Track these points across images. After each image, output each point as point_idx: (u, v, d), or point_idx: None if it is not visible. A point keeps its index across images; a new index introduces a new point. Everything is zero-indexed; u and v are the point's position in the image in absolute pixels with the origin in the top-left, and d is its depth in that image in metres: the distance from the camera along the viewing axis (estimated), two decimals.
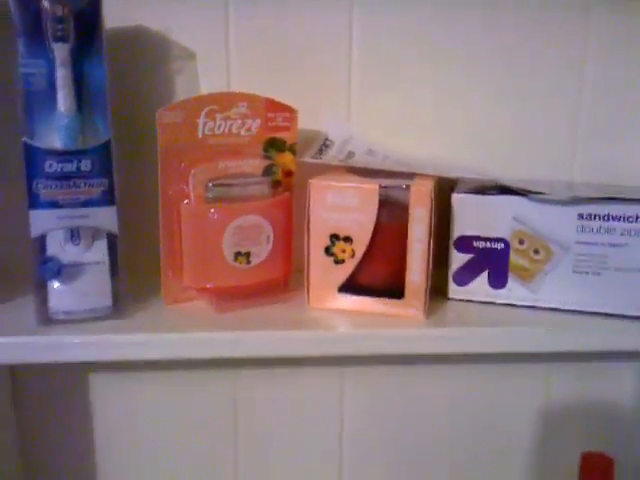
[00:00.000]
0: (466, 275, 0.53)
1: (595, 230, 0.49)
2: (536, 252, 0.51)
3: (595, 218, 0.49)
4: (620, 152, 0.61)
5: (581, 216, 0.49)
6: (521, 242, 0.51)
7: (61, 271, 0.47)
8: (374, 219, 0.48)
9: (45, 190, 0.45)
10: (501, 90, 0.60)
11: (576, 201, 0.49)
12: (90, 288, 0.48)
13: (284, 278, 0.53)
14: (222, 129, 0.50)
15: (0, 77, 0.51)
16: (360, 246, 0.49)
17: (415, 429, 0.67)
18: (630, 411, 0.68)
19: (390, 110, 0.59)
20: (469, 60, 0.59)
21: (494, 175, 0.57)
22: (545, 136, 0.61)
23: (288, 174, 0.53)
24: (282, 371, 0.65)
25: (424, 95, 0.59)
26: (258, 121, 0.51)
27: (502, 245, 0.51)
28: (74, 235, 0.47)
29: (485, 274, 0.53)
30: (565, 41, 0.59)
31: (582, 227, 0.49)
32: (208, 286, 0.50)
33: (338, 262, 0.50)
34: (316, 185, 0.49)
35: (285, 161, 0.53)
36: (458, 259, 0.53)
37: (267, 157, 0.52)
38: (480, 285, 0.53)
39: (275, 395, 0.66)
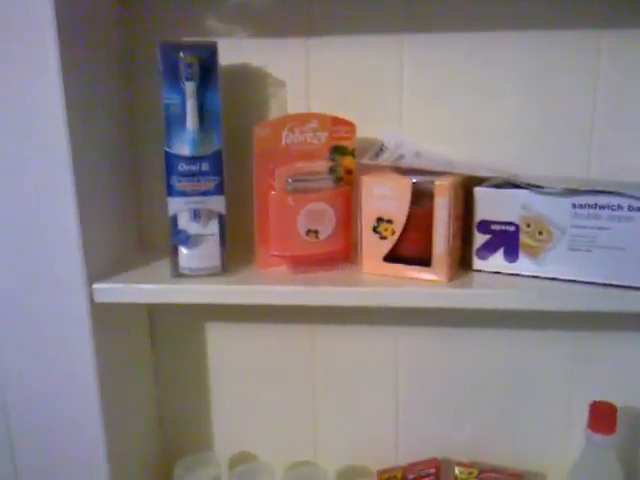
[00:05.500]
0: (486, 251, 0.67)
1: (586, 216, 0.62)
2: (540, 233, 0.65)
3: (585, 207, 0.62)
4: (631, 152, 0.73)
5: (574, 205, 0.62)
6: (528, 225, 0.65)
7: (188, 240, 0.68)
8: (408, 206, 0.64)
9: (178, 184, 0.66)
10: (528, 105, 0.73)
11: (569, 193, 0.62)
12: (206, 253, 0.68)
13: (345, 250, 0.71)
14: (299, 139, 0.68)
15: (151, 106, 0.73)
16: (398, 226, 0.65)
17: (456, 379, 0.82)
18: (629, 366, 0.79)
19: (434, 122, 0.74)
20: (498, 82, 0.73)
21: (518, 173, 0.71)
22: (565, 141, 0.73)
23: (348, 172, 0.70)
24: (351, 328, 0.82)
25: (462, 110, 0.74)
26: (326, 133, 0.69)
27: (513, 228, 0.66)
28: (196, 215, 0.67)
29: (501, 251, 0.67)
30: (579, 61, 0.71)
31: (575, 214, 0.63)
32: (287, 254, 0.69)
33: (383, 238, 0.66)
34: (366, 180, 0.66)
35: (346, 162, 0.70)
36: (480, 238, 0.67)
37: (332, 159, 0.69)
38: (497, 259, 0.67)
39: (344, 347, 0.83)
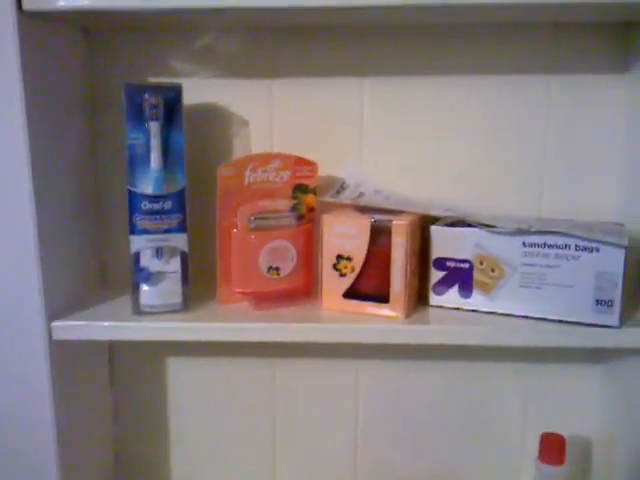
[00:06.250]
0: (442, 287, 0.70)
1: (535, 255, 0.65)
2: (492, 271, 0.67)
3: (535, 246, 0.65)
4: (581, 191, 0.77)
5: (524, 244, 0.65)
6: (481, 263, 0.68)
7: (150, 278, 0.68)
8: (367, 244, 0.66)
9: (141, 221, 0.66)
10: (483, 147, 0.76)
11: (520, 233, 0.65)
12: (168, 290, 0.69)
13: (306, 287, 0.72)
14: (262, 178, 0.70)
15: (114, 146, 0.74)
16: (358, 264, 0.67)
17: (414, 412, 0.84)
18: (580, 398, 0.82)
19: (393, 160, 0.77)
20: (454, 122, 0.76)
21: (472, 211, 0.74)
22: (518, 181, 0.77)
23: (310, 210, 0.72)
24: (311, 362, 0.83)
25: (419, 149, 0.77)
26: (288, 172, 0.70)
27: (467, 265, 0.68)
28: (159, 253, 0.68)
29: (456, 287, 0.69)
30: (530, 103, 0.75)
31: (525, 252, 0.65)
32: (249, 290, 0.70)
33: (342, 275, 0.68)
34: (327, 219, 0.68)
35: (308, 200, 0.72)
36: (436, 275, 0.70)
37: (294, 198, 0.71)
38: (452, 295, 0.69)
39: (304, 381, 0.84)
